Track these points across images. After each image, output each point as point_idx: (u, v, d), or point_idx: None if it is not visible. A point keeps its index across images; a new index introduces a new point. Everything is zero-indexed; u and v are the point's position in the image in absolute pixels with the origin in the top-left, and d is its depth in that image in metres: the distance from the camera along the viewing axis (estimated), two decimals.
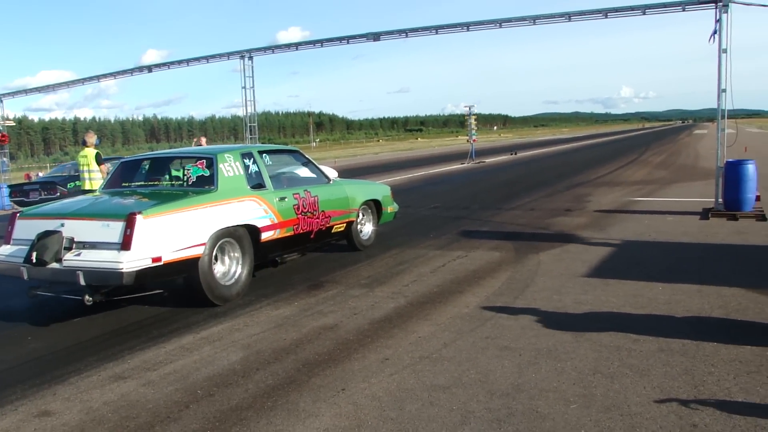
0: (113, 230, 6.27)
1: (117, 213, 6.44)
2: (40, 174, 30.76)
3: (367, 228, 10.09)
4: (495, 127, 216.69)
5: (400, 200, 11.72)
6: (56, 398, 4.77)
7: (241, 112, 18.20)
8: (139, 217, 6.20)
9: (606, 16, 13.28)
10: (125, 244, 6.15)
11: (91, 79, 20.81)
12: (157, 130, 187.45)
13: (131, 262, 6.09)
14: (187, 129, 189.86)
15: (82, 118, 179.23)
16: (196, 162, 7.60)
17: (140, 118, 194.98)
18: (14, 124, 26.47)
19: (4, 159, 23.94)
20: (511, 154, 40.19)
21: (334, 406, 4.32)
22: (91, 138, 13.27)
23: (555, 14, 13.93)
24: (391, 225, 11.16)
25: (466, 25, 14.67)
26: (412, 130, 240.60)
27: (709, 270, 7.61)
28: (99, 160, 12.97)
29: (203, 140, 19.48)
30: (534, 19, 14.05)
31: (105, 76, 20.29)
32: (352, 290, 7.46)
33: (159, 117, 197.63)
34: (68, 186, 17.36)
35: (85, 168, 12.97)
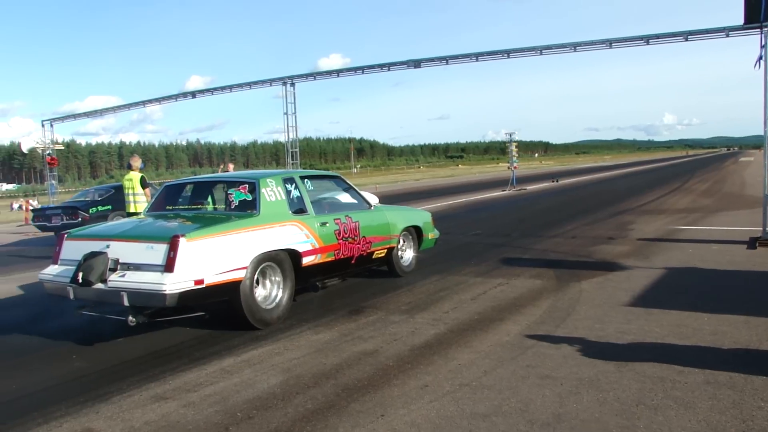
0: (157, 252, 6.37)
1: (161, 235, 6.54)
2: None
3: (407, 254, 10.09)
4: (536, 154, 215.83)
5: (440, 227, 11.70)
6: (99, 416, 4.83)
7: (282, 138, 18.47)
8: (182, 240, 6.29)
9: (648, 43, 13.21)
10: (169, 266, 6.24)
11: (137, 104, 21.27)
12: (200, 154, 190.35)
13: (174, 284, 6.16)
14: (229, 154, 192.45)
15: (127, 143, 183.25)
16: (239, 186, 7.69)
17: (184, 142, 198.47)
18: (63, 147, 27.07)
19: (53, 182, 24.47)
20: (553, 182, 39.95)
21: None
22: (136, 162, 13.50)
23: (595, 41, 13.92)
24: (431, 251, 11.15)
25: (507, 53, 14.70)
26: (452, 156, 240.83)
27: (756, 300, 7.44)
28: (144, 184, 13.18)
29: (231, 166, 19.62)
30: (574, 47, 14.06)
31: (150, 101, 20.73)
32: (392, 316, 7.45)
33: (202, 142, 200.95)
34: (90, 211, 17.29)
35: (130, 191, 13.18)
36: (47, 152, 23.74)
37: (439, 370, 5.47)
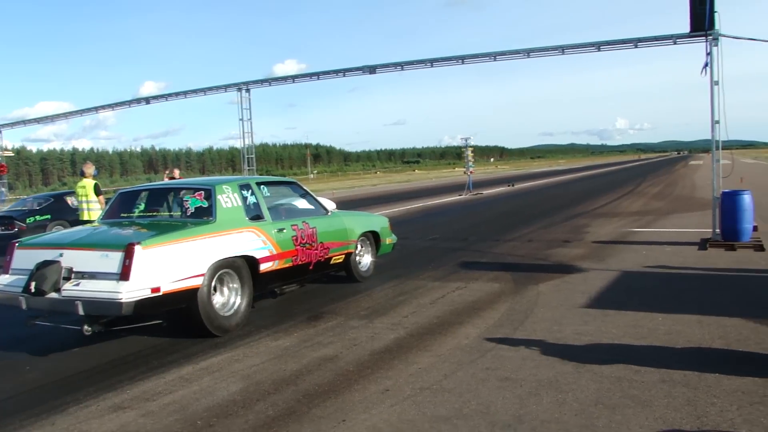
0: (112, 260, 6.27)
1: (116, 243, 6.44)
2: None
3: (365, 259, 10.09)
4: (492, 159, 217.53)
5: (398, 232, 11.73)
6: (55, 428, 4.75)
7: (238, 144, 18.28)
8: (138, 248, 6.20)
9: (599, 49, 13.41)
10: (124, 274, 6.15)
11: (89, 110, 20.92)
12: (155, 161, 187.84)
13: (130, 292, 6.08)
14: (185, 160, 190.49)
15: (80, 149, 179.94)
16: (194, 193, 7.62)
17: (138, 149, 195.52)
18: (12, 154, 26.55)
19: (3, 189, 23.96)
20: (509, 186, 40.27)
21: None
22: (90, 169, 13.29)
23: (549, 47, 14.08)
24: (389, 256, 11.17)
25: (461, 58, 14.81)
26: (409, 162, 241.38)
27: (708, 300, 7.60)
28: (97, 191, 13.00)
29: (177, 172, 19.25)
30: (528, 53, 14.21)
31: (103, 107, 20.43)
32: (351, 321, 7.44)
33: (157, 148, 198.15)
34: (27, 221, 16.50)
35: (84, 199, 12.98)
36: None
37: (400, 374, 5.48)
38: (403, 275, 10.17)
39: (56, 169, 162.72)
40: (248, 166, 18.07)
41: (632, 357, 5.59)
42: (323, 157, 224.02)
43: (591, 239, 13.46)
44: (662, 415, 4.35)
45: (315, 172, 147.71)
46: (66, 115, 23.19)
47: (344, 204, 29.09)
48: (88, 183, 13.02)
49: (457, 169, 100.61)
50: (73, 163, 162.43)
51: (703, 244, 11.87)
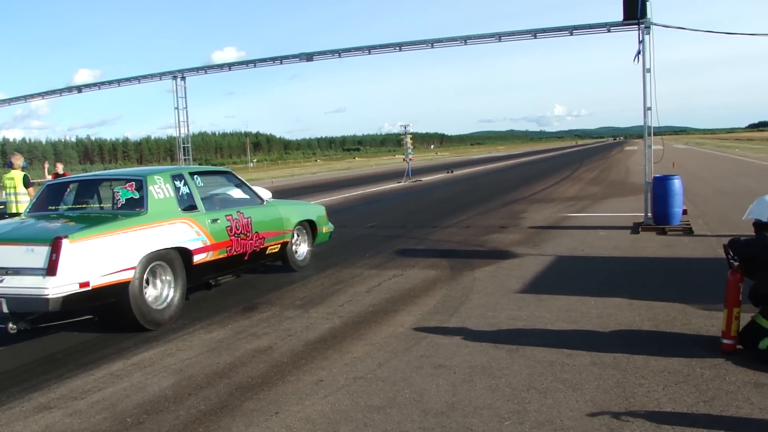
0: (38, 255, 6.08)
1: (42, 237, 6.24)
2: None
3: (302, 249, 10.01)
4: (432, 146, 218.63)
5: (336, 220, 11.68)
6: None
7: (175, 133, 17.90)
8: (65, 242, 6.03)
9: (535, 36, 13.51)
10: (51, 269, 5.97)
11: (18, 99, 20.25)
12: (90, 151, 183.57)
13: (57, 287, 5.91)
14: (122, 150, 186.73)
15: (11, 139, 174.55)
16: (125, 184, 7.44)
17: (73, 139, 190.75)
18: None
19: None
20: (448, 173, 40.54)
21: (267, 431, 4.24)
22: (18, 160, 12.89)
23: (485, 34, 14.13)
24: (327, 245, 11.12)
25: (398, 45, 14.78)
26: (349, 149, 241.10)
27: (639, 284, 7.77)
28: (27, 183, 12.61)
29: (59, 166, 18.51)
30: (465, 40, 14.23)
31: (33, 96, 19.79)
32: (286, 311, 7.38)
33: (93, 138, 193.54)
34: None
35: (12, 191, 12.58)
36: None
37: (334, 365, 5.45)
38: (340, 264, 10.13)
39: None
40: (184, 155, 17.74)
41: (565, 341, 5.68)
42: (263, 146, 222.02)
43: (527, 225, 13.63)
44: (592, 398, 4.42)
45: (255, 160, 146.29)
46: None
47: (283, 192, 28.89)
48: (17, 174, 12.62)
49: (397, 156, 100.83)
50: (3, 153, 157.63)
51: (636, 228, 12.13)
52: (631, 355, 5.21)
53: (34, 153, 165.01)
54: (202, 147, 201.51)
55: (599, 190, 21.94)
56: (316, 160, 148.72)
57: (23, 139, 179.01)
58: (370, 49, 15.26)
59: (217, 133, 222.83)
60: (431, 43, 14.33)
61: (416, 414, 4.34)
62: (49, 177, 18.21)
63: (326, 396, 4.77)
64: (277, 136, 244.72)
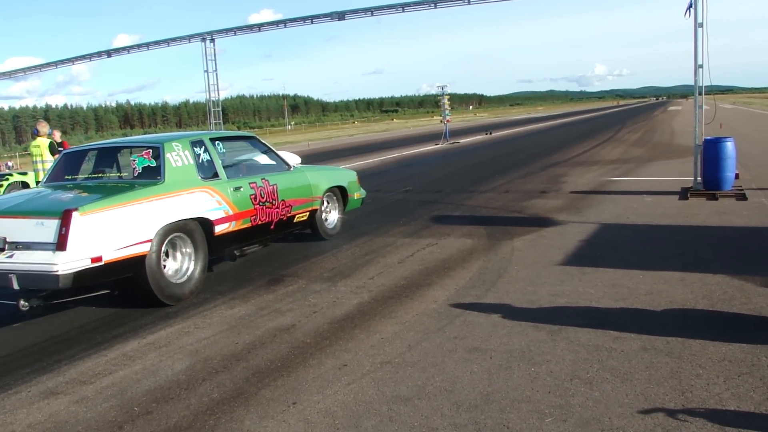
0: (48, 229, 5.74)
1: (51, 210, 5.89)
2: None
3: (332, 216, 9.60)
4: (470, 107, 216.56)
5: (371, 184, 11.28)
6: None
7: (206, 97, 17.52)
8: (75, 214, 5.67)
9: None
10: (61, 244, 5.63)
11: (49, 65, 20.10)
12: (130, 116, 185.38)
13: (67, 263, 5.57)
14: (161, 114, 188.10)
15: (53, 105, 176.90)
16: (141, 152, 7.06)
17: (113, 104, 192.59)
18: None
19: None
20: (486, 134, 39.79)
21: (283, 424, 3.85)
22: (44, 127, 12.68)
23: None
24: (359, 212, 10.68)
25: (433, 2, 14.18)
26: (387, 111, 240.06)
27: (691, 255, 7.20)
28: (53, 150, 12.40)
29: (56, 134, 18.11)
30: None
31: (63, 61, 19.60)
32: (313, 285, 6.99)
33: (132, 103, 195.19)
34: None
35: (38, 159, 12.41)
36: None
37: (360, 346, 5.04)
38: (372, 232, 9.71)
39: (29, 126, 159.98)
40: (215, 119, 17.38)
41: (611, 321, 5.18)
42: (301, 108, 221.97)
43: (569, 189, 13.04)
44: (644, 391, 3.93)
45: (292, 123, 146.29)
46: (24, 70, 22.28)
47: (320, 155, 28.56)
48: (43, 142, 12.42)
49: (435, 117, 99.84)
50: (47, 120, 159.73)
51: (684, 193, 11.47)
52: (685, 340, 4.68)
53: (76, 119, 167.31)
54: (240, 110, 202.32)
55: (643, 152, 21.13)
56: (354, 123, 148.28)
57: (65, 105, 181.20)
58: (403, 6, 14.70)
59: (255, 96, 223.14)
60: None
61: (447, 407, 3.91)
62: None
63: (349, 384, 4.36)
64: (315, 99, 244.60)
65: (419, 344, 4.99)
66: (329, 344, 5.15)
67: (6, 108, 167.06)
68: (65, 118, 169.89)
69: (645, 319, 5.23)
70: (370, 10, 14.86)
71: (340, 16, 15.02)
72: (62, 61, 19.33)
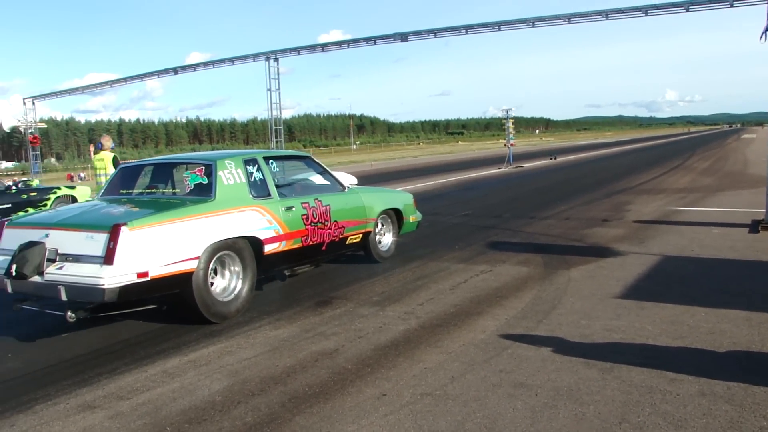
0: (97, 243, 5.76)
1: (101, 224, 5.91)
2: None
3: (386, 239, 9.46)
4: (537, 131, 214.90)
5: (430, 206, 11.14)
6: (13, 431, 4.27)
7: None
8: (123, 229, 5.68)
9: (647, 14, 12.50)
10: (108, 258, 5.64)
11: (119, 81, 20.61)
12: (199, 131, 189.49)
13: (114, 277, 5.57)
14: (229, 130, 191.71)
15: (127, 120, 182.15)
16: (194, 169, 7.06)
17: (183, 119, 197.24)
18: (45, 125, 26.42)
19: (35, 161, 23.80)
20: (551, 159, 39.24)
21: None
22: (108, 141, 12.90)
23: (590, 12, 13.16)
24: (414, 235, 10.53)
25: (497, 25, 14.00)
26: (453, 133, 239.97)
27: (759, 293, 6.80)
28: (116, 164, 12.57)
29: (107, 139, 17.93)
30: (568, 18, 13.30)
31: (133, 77, 20.04)
32: (361, 308, 6.85)
33: (202, 119, 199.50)
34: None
35: (102, 172, 12.60)
36: (30, 131, 23.07)
37: (402, 375, 4.88)
38: (426, 256, 9.53)
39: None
40: (276, 137, 17.48)
41: (668, 361, 4.90)
42: (367, 128, 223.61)
43: (632, 218, 12.64)
44: None
45: (358, 142, 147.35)
46: (95, 86, 22.99)
47: (382, 175, 28.55)
48: (107, 156, 12.63)
49: (500, 140, 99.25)
50: (120, 133, 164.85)
51: (755, 226, 10.97)
52: (749, 386, 4.36)
53: (147, 133, 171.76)
54: (307, 128, 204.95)
55: (713, 181, 20.45)
56: (419, 143, 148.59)
57: (137, 120, 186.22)
58: (467, 28, 14.57)
59: (321, 115, 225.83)
60: (532, 21, 13.49)
61: None
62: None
63: (386, 415, 4.20)
64: (381, 119, 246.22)
65: (463, 376, 4.81)
66: (370, 371, 5.00)
67: (83, 121, 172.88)
68: (137, 132, 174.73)
69: (705, 360, 4.92)
70: (434, 32, 14.77)
71: (403, 37, 14.95)
72: (132, 78, 19.83)
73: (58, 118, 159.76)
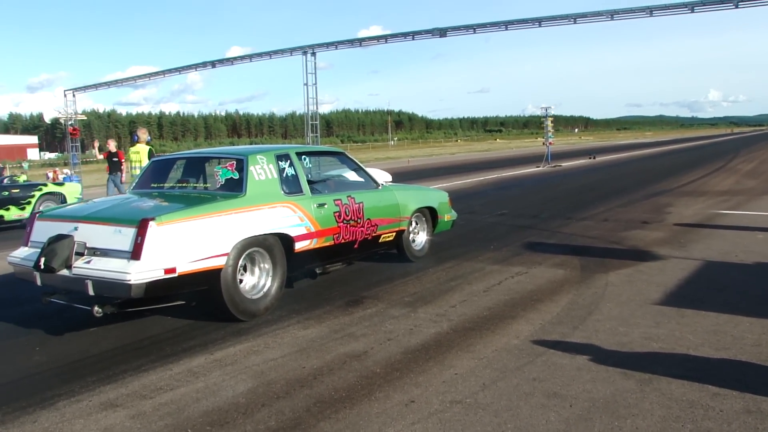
0: (125, 237, 5.70)
1: (130, 218, 5.84)
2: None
3: (420, 238, 9.30)
4: (576, 130, 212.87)
5: (466, 205, 10.96)
6: (35, 427, 4.22)
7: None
8: (152, 224, 5.61)
9: (692, 11, 12.14)
10: (135, 253, 5.57)
11: (157, 74, 20.69)
12: (238, 125, 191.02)
13: (141, 273, 5.50)
14: (267, 125, 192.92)
15: (167, 113, 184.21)
16: (225, 164, 6.97)
17: (223, 113, 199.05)
18: (85, 117, 26.68)
19: (74, 152, 24.03)
20: (590, 158, 38.72)
21: None
22: (144, 134, 12.94)
23: (634, 8, 12.83)
24: (449, 234, 10.36)
25: (538, 21, 13.71)
26: (491, 130, 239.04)
27: None
28: (152, 157, 12.59)
29: (111, 143, 17.49)
30: (611, 15, 12.98)
31: (171, 71, 20.11)
32: (392, 309, 6.71)
33: (241, 113, 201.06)
34: None
35: (138, 165, 12.65)
36: (69, 122, 23.31)
37: (431, 381, 4.72)
38: (461, 256, 9.35)
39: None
40: (312, 132, 17.40)
41: (710, 374, 4.66)
42: (405, 124, 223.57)
43: (673, 221, 12.31)
44: None
45: (395, 138, 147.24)
46: (135, 78, 23.10)
47: (419, 172, 28.37)
48: (142, 149, 12.66)
49: (539, 139, 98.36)
50: (160, 126, 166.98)
51: None
52: None
53: (187, 126, 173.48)
54: (345, 124, 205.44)
55: (757, 184, 19.91)
56: (457, 140, 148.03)
57: (177, 113, 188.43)
58: (507, 24, 14.31)
59: (360, 111, 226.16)
60: (574, 18, 13.19)
61: None
62: (101, 156, 18.13)
63: (414, 423, 4.05)
64: (419, 115, 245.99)
65: (495, 384, 4.63)
66: (399, 376, 4.85)
67: (124, 114, 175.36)
68: (177, 125, 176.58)
69: (750, 374, 4.67)
70: (473, 27, 14.56)
71: (442, 32, 14.77)
72: (170, 71, 19.89)
73: (101, 111, 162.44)
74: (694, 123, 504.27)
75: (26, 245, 6.62)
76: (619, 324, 5.92)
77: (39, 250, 6.12)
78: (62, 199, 15.88)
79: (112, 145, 17.20)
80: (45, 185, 16.68)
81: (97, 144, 18.58)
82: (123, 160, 16.52)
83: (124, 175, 16.14)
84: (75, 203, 7.35)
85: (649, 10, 12.48)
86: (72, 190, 16.80)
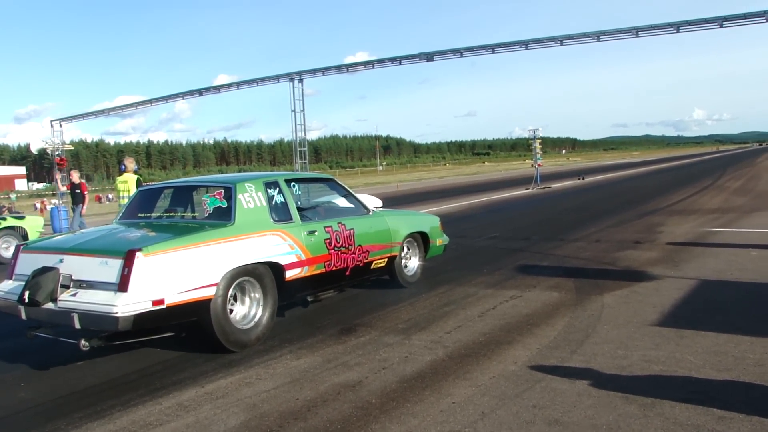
0: (111, 269, 5.57)
1: (116, 249, 5.72)
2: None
3: (412, 263, 9.19)
4: (563, 151, 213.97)
5: (456, 229, 10.88)
6: None
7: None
8: (138, 255, 5.48)
9: (678, 31, 12.16)
10: (122, 284, 5.44)
11: (143, 103, 20.60)
12: (227, 153, 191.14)
13: (128, 305, 5.36)
14: (256, 152, 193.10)
15: (155, 141, 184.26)
16: (214, 192, 6.87)
17: (211, 141, 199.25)
18: (72, 148, 26.52)
19: (63, 183, 23.83)
20: (578, 179, 38.79)
21: None
22: (131, 163, 12.82)
23: (620, 30, 12.86)
24: (441, 258, 10.24)
25: (525, 43, 13.73)
26: (479, 153, 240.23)
27: None
28: (140, 186, 12.48)
29: (74, 175, 16.84)
30: (598, 36, 12.99)
31: (158, 99, 20.04)
32: (386, 337, 6.58)
33: (229, 140, 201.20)
34: None
35: (125, 194, 12.51)
36: (57, 152, 23.15)
37: (428, 411, 4.59)
38: (454, 280, 9.24)
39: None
40: (300, 159, 17.31)
41: (714, 396, 4.55)
42: (393, 149, 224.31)
43: (665, 240, 12.25)
44: None
45: (384, 163, 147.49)
46: (122, 108, 22.99)
47: (408, 197, 28.33)
48: (130, 178, 12.54)
49: (527, 161, 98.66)
50: (148, 155, 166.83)
51: None
52: None
53: (175, 154, 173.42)
54: (334, 150, 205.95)
55: (746, 201, 19.91)
56: (446, 164, 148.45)
57: (166, 141, 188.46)
58: (494, 47, 14.32)
59: (348, 136, 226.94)
60: (560, 40, 13.19)
61: None
62: (64, 188, 17.74)
63: None
64: (407, 140, 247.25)
65: (494, 412, 4.51)
66: (395, 406, 4.72)
67: (112, 143, 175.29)
68: (165, 154, 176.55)
69: (755, 396, 4.56)
70: (460, 51, 14.56)
71: (429, 57, 14.75)
72: (157, 99, 19.85)
73: (89, 140, 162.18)
74: (680, 142, 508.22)
75: (11, 278, 6.47)
76: (617, 347, 5.80)
77: (23, 283, 5.97)
78: (24, 234, 15.19)
79: (75, 177, 16.86)
80: (4, 219, 16.02)
81: (59, 176, 18.04)
82: (85, 192, 16.19)
83: (84, 207, 15.84)
84: (57, 235, 7.19)
85: (635, 31, 12.50)
86: (33, 224, 16.00)
